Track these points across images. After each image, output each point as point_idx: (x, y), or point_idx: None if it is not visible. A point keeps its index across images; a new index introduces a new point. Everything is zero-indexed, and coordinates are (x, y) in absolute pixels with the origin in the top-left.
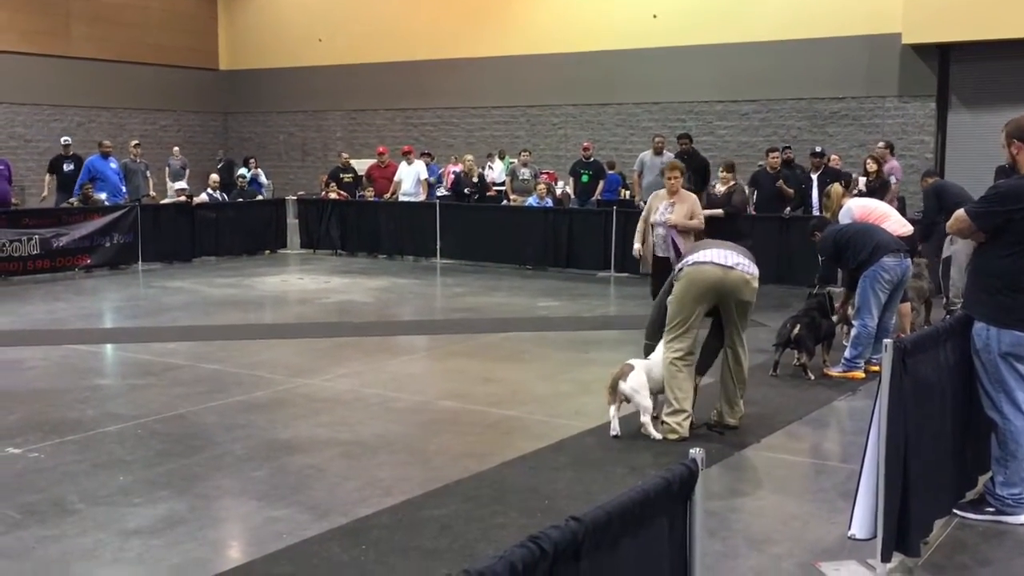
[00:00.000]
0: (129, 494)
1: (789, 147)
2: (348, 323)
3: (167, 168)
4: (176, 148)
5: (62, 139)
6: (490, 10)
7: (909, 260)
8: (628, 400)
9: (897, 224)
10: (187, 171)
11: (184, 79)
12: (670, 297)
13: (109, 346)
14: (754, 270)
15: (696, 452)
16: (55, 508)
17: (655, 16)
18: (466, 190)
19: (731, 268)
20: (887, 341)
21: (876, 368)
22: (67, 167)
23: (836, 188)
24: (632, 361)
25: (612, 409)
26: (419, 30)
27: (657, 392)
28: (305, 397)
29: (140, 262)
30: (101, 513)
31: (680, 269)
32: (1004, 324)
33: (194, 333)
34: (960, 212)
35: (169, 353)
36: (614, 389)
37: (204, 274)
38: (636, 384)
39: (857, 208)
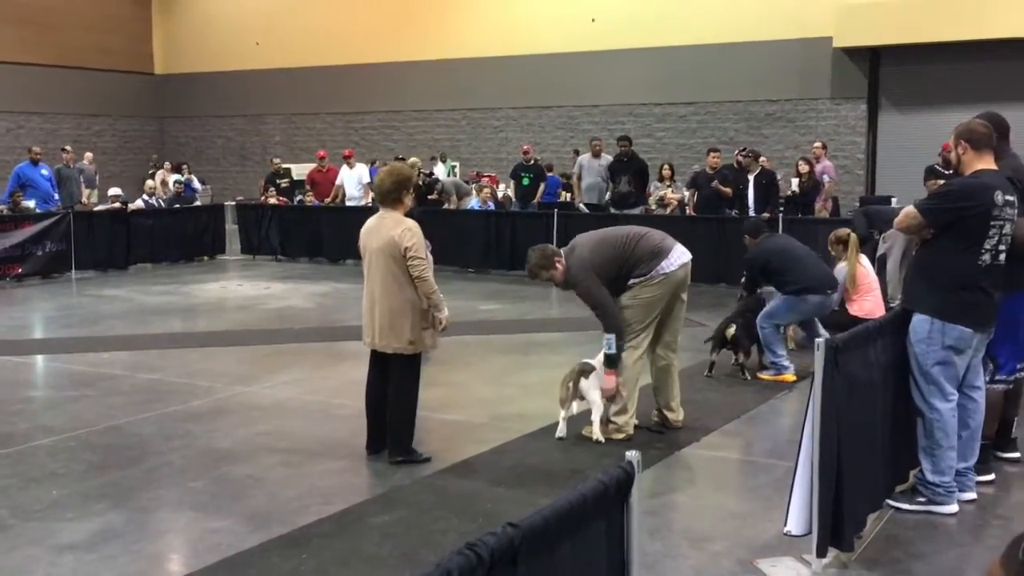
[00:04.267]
0: (63, 508)
1: (718, 150)
2: (289, 329)
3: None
4: (88, 154)
5: None
6: (430, 13)
7: (834, 296)
8: (583, 398)
9: (875, 304)
10: (97, 177)
11: (118, 83)
12: (636, 300)
13: (42, 357)
14: None
15: (632, 454)
16: None
17: (593, 20)
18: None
19: (687, 263)
20: (819, 340)
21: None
22: None
23: (854, 238)
24: (590, 361)
25: (564, 410)
26: (358, 33)
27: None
28: (245, 405)
29: (74, 270)
30: (33, 528)
31: (646, 276)
32: (951, 319)
33: (130, 342)
34: (910, 208)
35: (105, 363)
36: (575, 386)
37: (140, 282)
38: (596, 384)
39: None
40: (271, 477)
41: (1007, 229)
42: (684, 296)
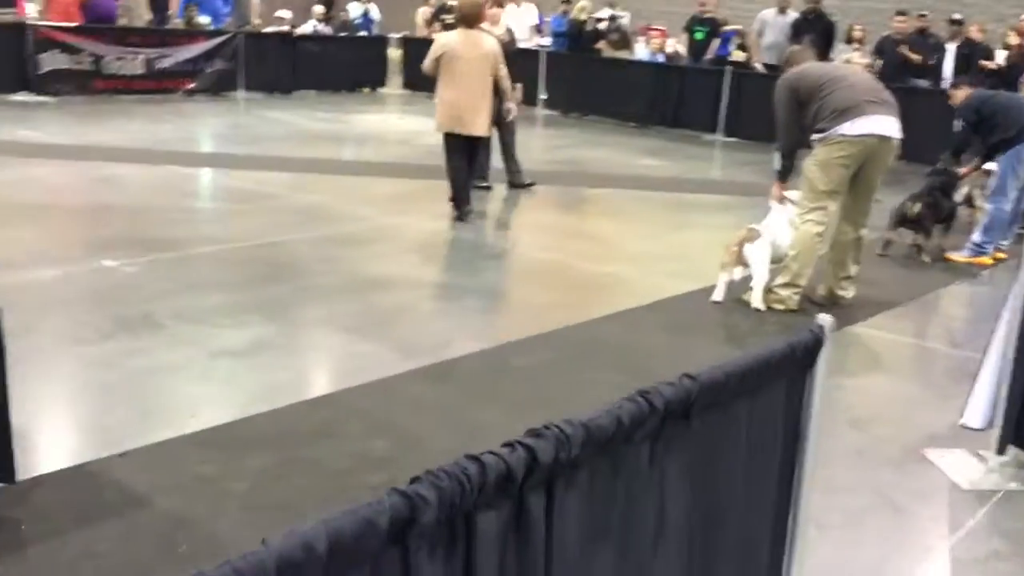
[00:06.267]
0: (218, 315)
1: (925, 14)
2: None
3: None
4: None
5: None
6: None
7: None
8: (747, 265)
9: None
10: None
11: None
12: (814, 160)
13: (207, 170)
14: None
15: (824, 318)
16: (146, 322)
17: None
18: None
19: (888, 139)
20: None
21: (1004, 255)
22: None
23: None
24: (756, 227)
25: (726, 274)
26: None
27: (775, 262)
28: (399, 235)
29: (241, 90)
30: (190, 331)
31: (824, 134)
32: None
33: (291, 164)
34: None
35: (266, 182)
36: (739, 252)
37: (303, 107)
38: (762, 250)
39: None
40: (420, 308)
41: None
42: (879, 171)
